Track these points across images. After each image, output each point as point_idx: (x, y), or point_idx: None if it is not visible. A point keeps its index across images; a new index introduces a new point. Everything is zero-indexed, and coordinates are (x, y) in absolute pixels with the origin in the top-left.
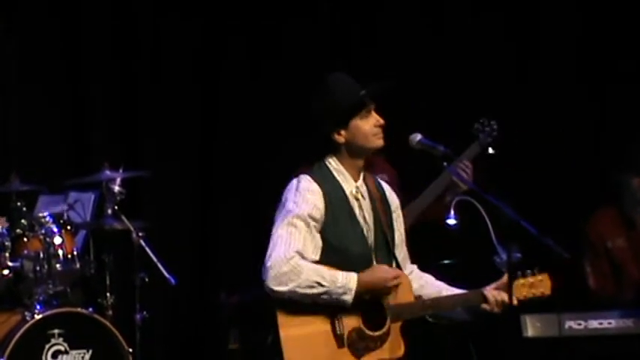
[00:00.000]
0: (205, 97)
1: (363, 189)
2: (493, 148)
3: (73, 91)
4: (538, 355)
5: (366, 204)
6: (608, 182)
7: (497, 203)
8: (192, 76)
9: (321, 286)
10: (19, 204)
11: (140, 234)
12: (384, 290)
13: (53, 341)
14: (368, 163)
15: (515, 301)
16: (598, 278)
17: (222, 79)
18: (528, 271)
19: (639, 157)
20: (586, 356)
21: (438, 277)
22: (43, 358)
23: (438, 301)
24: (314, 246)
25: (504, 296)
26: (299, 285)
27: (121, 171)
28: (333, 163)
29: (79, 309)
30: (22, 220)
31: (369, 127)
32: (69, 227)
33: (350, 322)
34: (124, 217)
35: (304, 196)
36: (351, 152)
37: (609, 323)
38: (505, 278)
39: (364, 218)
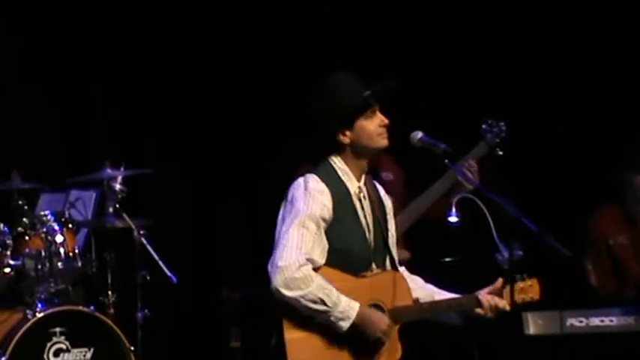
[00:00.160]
0: (205, 96)
1: (365, 190)
2: (501, 149)
3: (75, 89)
4: (540, 353)
5: (367, 205)
6: (610, 180)
7: (499, 201)
8: (193, 74)
9: (324, 304)
10: (20, 202)
11: (141, 232)
12: (371, 334)
13: (55, 339)
14: (373, 162)
15: (507, 307)
16: (599, 276)
17: (222, 78)
18: (518, 276)
19: None
20: (587, 354)
21: (438, 276)
22: (45, 356)
23: (435, 305)
24: (322, 248)
25: (498, 301)
26: (304, 295)
27: (122, 169)
28: (337, 163)
29: (80, 307)
30: (24, 219)
31: (373, 127)
32: (70, 225)
33: (354, 333)
34: (125, 215)
35: (314, 197)
36: (356, 152)
37: (611, 321)
38: (499, 283)
39: (365, 219)
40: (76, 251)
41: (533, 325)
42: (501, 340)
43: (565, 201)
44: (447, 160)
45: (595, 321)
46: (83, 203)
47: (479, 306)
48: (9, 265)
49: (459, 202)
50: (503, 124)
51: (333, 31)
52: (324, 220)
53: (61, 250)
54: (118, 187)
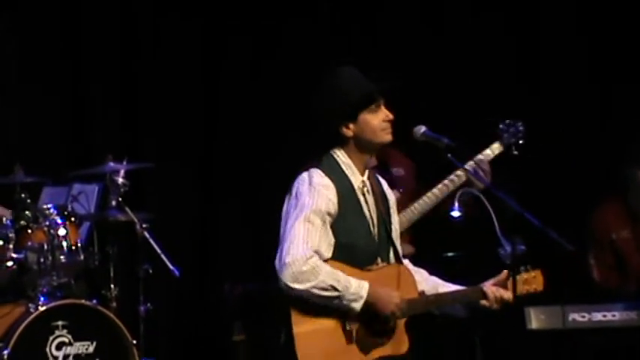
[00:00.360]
0: (207, 89)
1: (368, 184)
2: (517, 149)
3: (77, 84)
4: (542, 348)
5: (371, 199)
6: (613, 175)
7: (501, 196)
8: (195, 68)
9: (335, 290)
10: (23, 195)
11: (144, 226)
12: (384, 309)
13: (57, 333)
14: (383, 157)
15: (512, 299)
16: (602, 270)
17: (224, 73)
18: (522, 268)
19: None
20: (590, 349)
21: (441, 271)
22: (47, 349)
23: (440, 297)
24: (327, 243)
25: (503, 292)
26: (315, 286)
27: (124, 163)
28: (341, 157)
29: (83, 301)
30: (26, 212)
31: (377, 121)
32: (73, 219)
33: (357, 319)
34: (127, 209)
35: (319, 191)
36: (359, 146)
37: (613, 315)
38: (504, 274)
39: (370, 213)
40: (79, 245)
41: (536, 319)
42: (504, 334)
43: (567, 196)
44: (449, 155)
45: (597, 316)
46: (86, 197)
47: (484, 297)
48: (11, 259)
49: (461, 197)
50: (521, 124)
51: (333, 31)
52: (329, 214)
53: (64, 243)
54: (120, 180)
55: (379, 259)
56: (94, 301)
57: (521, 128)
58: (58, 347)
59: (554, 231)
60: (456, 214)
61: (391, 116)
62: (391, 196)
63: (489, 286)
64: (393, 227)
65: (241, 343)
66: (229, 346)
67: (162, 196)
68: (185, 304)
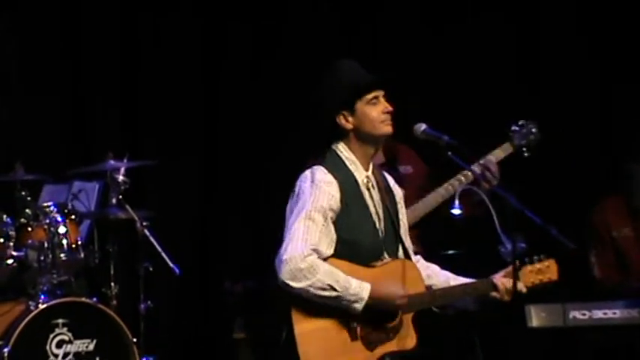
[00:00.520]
0: (208, 88)
1: (373, 179)
2: (529, 151)
3: (78, 81)
4: (542, 345)
5: (376, 194)
6: (614, 172)
7: (502, 193)
8: (195, 67)
9: (334, 290)
10: (23, 193)
11: (144, 224)
12: (390, 307)
13: (57, 331)
14: (390, 153)
15: (524, 289)
16: (603, 268)
17: (225, 70)
18: (535, 258)
19: None
20: (590, 346)
21: (443, 267)
22: (48, 347)
23: (448, 291)
24: (329, 240)
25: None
26: (312, 284)
27: (125, 160)
28: (344, 152)
29: (83, 299)
30: (27, 210)
31: (376, 113)
32: (73, 217)
33: (362, 315)
34: (128, 207)
35: (321, 188)
36: (361, 139)
37: (614, 313)
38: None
39: (375, 209)
40: (79, 243)
41: (536, 317)
42: (504, 332)
43: (568, 194)
44: (450, 153)
45: (598, 313)
46: (86, 194)
47: (494, 289)
48: (12, 257)
49: (462, 195)
50: (534, 126)
51: (333, 31)
52: (331, 210)
53: (64, 241)
54: (121, 178)
55: (386, 255)
56: (95, 299)
57: (534, 130)
58: (59, 345)
59: (555, 228)
60: (456, 211)
61: (390, 108)
62: (398, 191)
63: (499, 278)
64: (401, 223)
65: (242, 341)
66: (230, 344)
67: (163, 193)
68: (185, 302)
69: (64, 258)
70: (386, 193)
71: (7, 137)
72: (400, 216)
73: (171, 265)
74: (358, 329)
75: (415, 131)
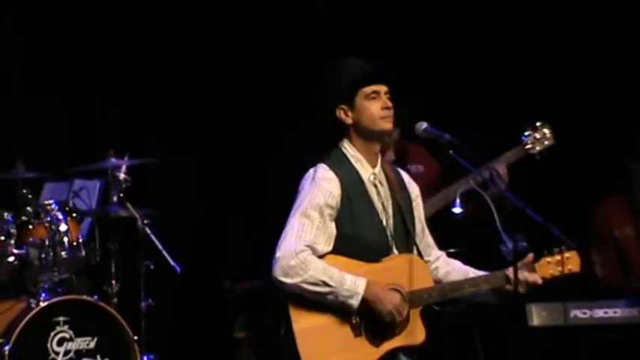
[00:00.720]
0: (208, 87)
1: (382, 176)
2: (540, 155)
3: (79, 79)
4: (543, 344)
5: (385, 191)
6: (615, 171)
7: (504, 192)
8: (196, 65)
9: (327, 285)
10: (24, 191)
11: (145, 221)
12: (383, 308)
13: (58, 329)
14: (401, 151)
15: (539, 281)
16: (605, 267)
17: (225, 70)
18: (556, 249)
19: None
20: (591, 345)
21: None
22: (49, 345)
23: (458, 285)
24: (327, 236)
25: (528, 276)
26: (304, 280)
27: (126, 158)
28: (349, 149)
29: (84, 296)
30: (28, 208)
31: (375, 108)
32: (74, 215)
33: (366, 311)
34: (129, 205)
35: (320, 185)
36: (361, 135)
37: (614, 312)
38: (529, 257)
39: (382, 205)
40: (80, 240)
41: (537, 316)
42: (505, 331)
43: (570, 193)
44: (451, 152)
45: (599, 312)
46: (87, 192)
47: (508, 282)
48: (13, 254)
49: (463, 194)
50: (547, 130)
51: (333, 31)
52: (329, 207)
53: (65, 239)
54: (122, 176)
55: (396, 252)
56: (96, 297)
57: (548, 135)
58: (60, 343)
59: (557, 227)
60: (457, 210)
61: (389, 104)
62: (415, 188)
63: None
64: (416, 220)
65: (243, 340)
66: (231, 343)
67: (164, 192)
68: (186, 301)
69: (65, 256)
70: (400, 190)
71: (9, 135)
72: (416, 213)
73: (172, 263)
74: (362, 325)
75: (416, 130)
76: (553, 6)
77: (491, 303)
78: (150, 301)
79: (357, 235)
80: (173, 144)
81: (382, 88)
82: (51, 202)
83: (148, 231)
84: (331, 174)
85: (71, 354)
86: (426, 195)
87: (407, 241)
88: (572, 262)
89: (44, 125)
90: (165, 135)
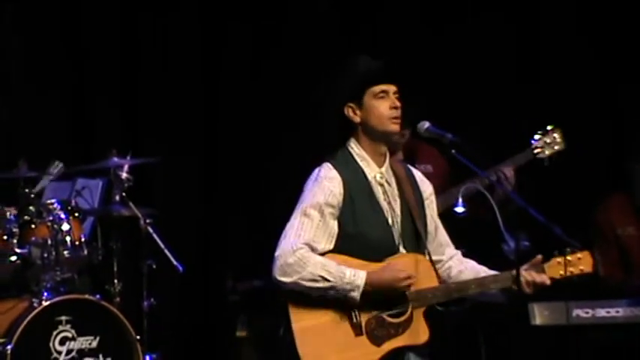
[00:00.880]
0: (208, 87)
1: (389, 175)
2: (550, 160)
3: (81, 78)
4: (545, 344)
5: (393, 191)
6: (618, 170)
7: (506, 191)
8: (196, 65)
9: (326, 280)
10: (26, 190)
11: (148, 221)
12: (394, 290)
13: (61, 328)
14: (409, 150)
15: (547, 281)
16: (607, 266)
17: (225, 69)
18: (567, 249)
19: None
20: (593, 344)
21: None
22: (51, 344)
23: (464, 285)
24: (328, 235)
25: (536, 276)
26: (302, 277)
27: (128, 158)
28: (355, 148)
29: (86, 296)
30: (30, 207)
31: (384, 108)
32: (77, 214)
33: (368, 310)
34: (131, 204)
35: (321, 184)
36: (368, 135)
37: (617, 312)
38: (538, 258)
39: (389, 204)
40: (82, 240)
41: (540, 315)
42: (507, 330)
43: (572, 192)
44: (453, 151)
45: (601, 312)
46: (89, 192)
47: (515, 283)
48: (15, 254)
49: (465, 193)
50: (558, 135)
51: (333, 31)
52: (329, 206)
53: (67, 238)
54: (124, 175)
55: (403, 251)
56: (98, 297)
57: (558, 140)
58: (62, 342)
59: (559, 227)
60: (459, 209)
61: (398, 104)
62: (427, 187)
63: (521, 271)
64: (428, 219)
65: (244, 339)
66: (233, 342)
67: (166, 191)
68: (189, 300)
69: (67, 255)
70: (411, 189)
71: (11, 135)
72: (428, 212)
73: (174, 262)
74: (363, 324)
75: (419, 129)
76: (553, 6)
77: (499, 302)
78: (152, 300)
79: (360, 234)
80: (173, 144)
81: (391, 88)
82: (53, 201)
83: (151, 230)
84: (334, 173)
85: (73, 353)
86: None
87: (416, 241)
88: (584, 262)
89: (46, 124)
90: (165, 135)
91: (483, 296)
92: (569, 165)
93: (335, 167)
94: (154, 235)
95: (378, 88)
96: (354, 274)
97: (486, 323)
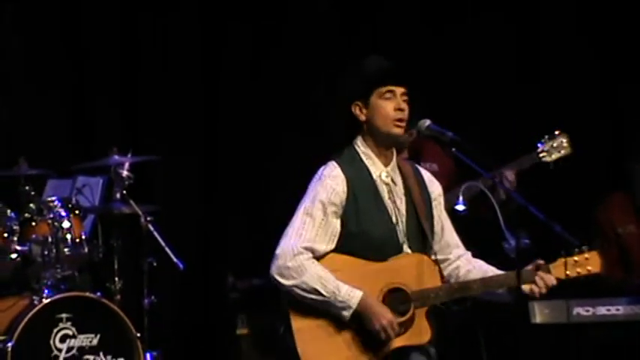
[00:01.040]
0: (208, 86)
1: (395, 175)
2: (555, 165)
3: (81, 77)
4: (546, 342)
5: (399, 190)
6: (618, 170)
7: (507, 190)
8: (196, 65)
9: (320, 295)
10: (27, 188)
11: (148, 218)
12: (375, 323)
13: (61, 325)
14: (415, 149)
15: (553, 281)
16: (607, 265)
17: (225, 69)
18: (576, 249)
19: None
20: (594, 342)
21: None
22: (51, 342)
23: (467, 285)
24: (330, 234)
25: (543, 276)
26: (297, 285)
27: (129, 155)
28: (361, 147)
29: (87, 293)
30: (31, 205)
31: (390, 109)
32: (77, 211)
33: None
34: (132, 202)
35: (324, 182)
36: (372, 135)
37: (617, 310)
38: (540, 262)
39: (394, 203)
40: (83, 237)
41: (540, 314)
42: (508, 329)
43: (573, 190)
44: (454, 149)
45: (601, 310)
46: (90, 189)
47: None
48: (16, 251)
49: (465, 191)
50: (564, 139)
51: (333, 31)
52: (332, 204)
53: (68, 236)
54: (125, 173)
55: (409, 250)
56: (98, 294)
57: (565, 144)
58: (62, 340)
59: (559, 225)
60: (460, 207)
61: (404, 106)
62: (436, 187)
63: (525, 271)
64: (435, 219)
65: (245, 336)
66: (233, 339)
67: (167, 188)
68: (189, 297)
69: (67, 253)
70: (418, 189)
71: (11, 133)
72: (435, 212)
73: (175, 260)
74: (358, 328)
75: (419, 127)
76: (553, 6)
77: (506, 302)
78: (153, 297)
79: (362, 232)
80: (173, 143)
81: (399, 90)
82: (54, 198)
83: (151, 228)
84: (337, 171)
85: (74, 351)
86: None
87: (422, 240)
88: (592, 262)
89: (47, 122)
90: (165, 134)
91: (489, 295)
92: (570, 165)
93: (339, 165)
94: (155, 233)
95: (385, 89)
96: (349, 294)
97: (487, 322)
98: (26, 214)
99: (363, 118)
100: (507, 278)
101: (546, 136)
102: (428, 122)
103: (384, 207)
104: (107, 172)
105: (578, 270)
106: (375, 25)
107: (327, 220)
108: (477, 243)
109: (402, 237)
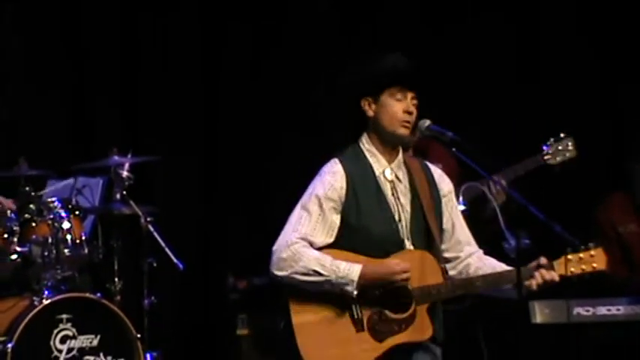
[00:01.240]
0: (208, 86)
1: (401, 172)
2: (560, 167)
3: (82, 77)
4: (546, 342)
5: (403, 187)
6: (618, 170)
7: (507, 190)
8: (196, 65)
9: (320, 275)
10: (27, 189)
11: (148, 219)
12: (391, 284)
13: (61, 326)
14: (420, 149)
15: (556, 278)
16: (610, 264)
17: (225, 70)
18: (582, 247)
19: None
20: (594, 342)
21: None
22: (51, 343)
23: (469, 282)
24: (328, 228)
25: (544, 273)
26: (296, 272)
27: (129, 156)
28: (365, 144)
29: (87, 294)
30: (31, 205)
31: (398, 108)
32: (77, 212)
33: (370, 306)
34: (132, 202)
35: (323, 178)
36: (377, 132)
37: (617, 310)
38: (542, 260)
39: (397, 200)
40: (83, 238)
41: (540, 313)
42: (508, 328)
43: (573, 190)
44: (454, 149)
45: (602, 310)
46: (90, 190)
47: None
48: (16, 252)
49: (465, 191)
50: (570, 142)
51: (333, 31)
52: (330, 200)
53: (68, 236)
54: (125, 174)
55: (411, 247)
56: (98, 295)
57: (570, 147)
58: (62, 340)
59: (559, 225)
60: (460, 208)
61: (413, 109)
62: (446, 185)
63: (528, 267)
64: (444, 216)
65: (245, 337)
66: (233, 339)
67: (167, 189)
68: (189, 298)
69: (68, 253)
70: (426, 186)
71: (11, 133)
72: (445, 209)
73: (175, 260)
74: (365, 320)
75: (419, 127)
76: (553, 6)
77: (511, 298)
78: (153, 298)
79: (363, 228)
80: (173, 144)
81: (410, 92)
82: (54, 199)
83: (151, 228)
84: (337, 167)
85: (74, 352)
86: None
87: (427, 238)
88: (597, 259)
89: (47, 122)
90: (165, 135)
91: (495, 292)
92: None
93: (341, 162)
94: (155, 234)
95: (396, 89)
96: (348, 268)
97: (487, 321)
98: (26, 215)
99: (370, 113)
100: (511, 275)
101: (552, 139)
102: (428, 122)
103: (386, 204)
104: (107, 172)
105: (583, 267)
106: (375, 25)
107: (324, 215)
108: (477, 243)
109: (404, 234)
